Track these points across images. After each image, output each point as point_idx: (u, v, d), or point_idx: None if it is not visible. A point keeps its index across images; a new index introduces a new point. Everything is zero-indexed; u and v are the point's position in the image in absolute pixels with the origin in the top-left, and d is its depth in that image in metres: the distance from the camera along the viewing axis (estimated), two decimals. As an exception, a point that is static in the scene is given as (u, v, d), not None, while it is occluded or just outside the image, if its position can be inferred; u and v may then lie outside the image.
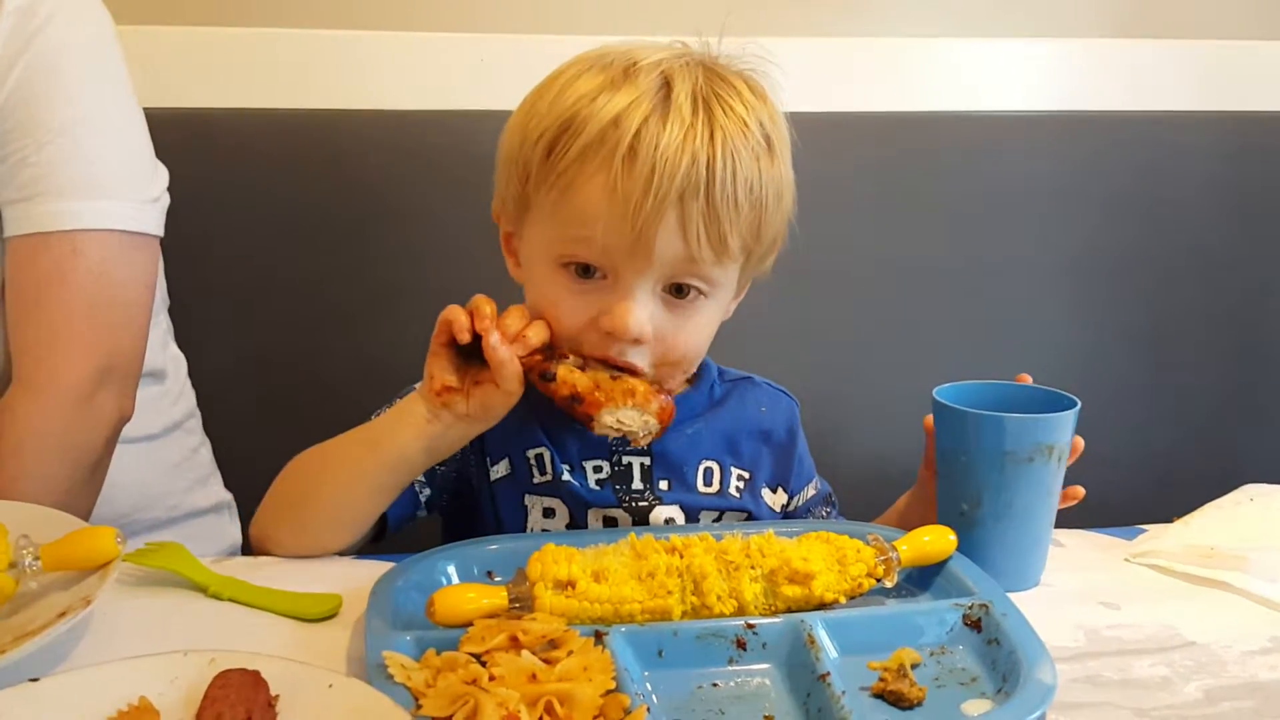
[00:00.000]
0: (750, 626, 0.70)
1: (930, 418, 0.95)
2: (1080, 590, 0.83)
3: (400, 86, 1.38)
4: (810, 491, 1.03)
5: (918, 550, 0.79)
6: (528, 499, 0.92)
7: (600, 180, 0.83)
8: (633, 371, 0.87)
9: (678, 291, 0.87)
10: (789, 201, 0.91)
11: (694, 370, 0.94)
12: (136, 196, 1.00)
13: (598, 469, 0.93)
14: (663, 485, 0.94)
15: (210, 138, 1.33)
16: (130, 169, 1.01)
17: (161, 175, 1.06)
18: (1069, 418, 0.81)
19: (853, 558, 0.76)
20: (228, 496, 1.23)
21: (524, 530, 0.92)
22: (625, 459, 0.93)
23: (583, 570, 0.71)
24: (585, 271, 0.86)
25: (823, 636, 0.69)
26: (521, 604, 0.71)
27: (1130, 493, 1.19)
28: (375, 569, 0.80)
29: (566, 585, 0.71)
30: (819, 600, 0.75)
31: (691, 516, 0.94)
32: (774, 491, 0.99)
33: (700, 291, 0.88)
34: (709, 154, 0.83)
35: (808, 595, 0.74)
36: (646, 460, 0.94)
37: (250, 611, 0.77)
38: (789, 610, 0.74)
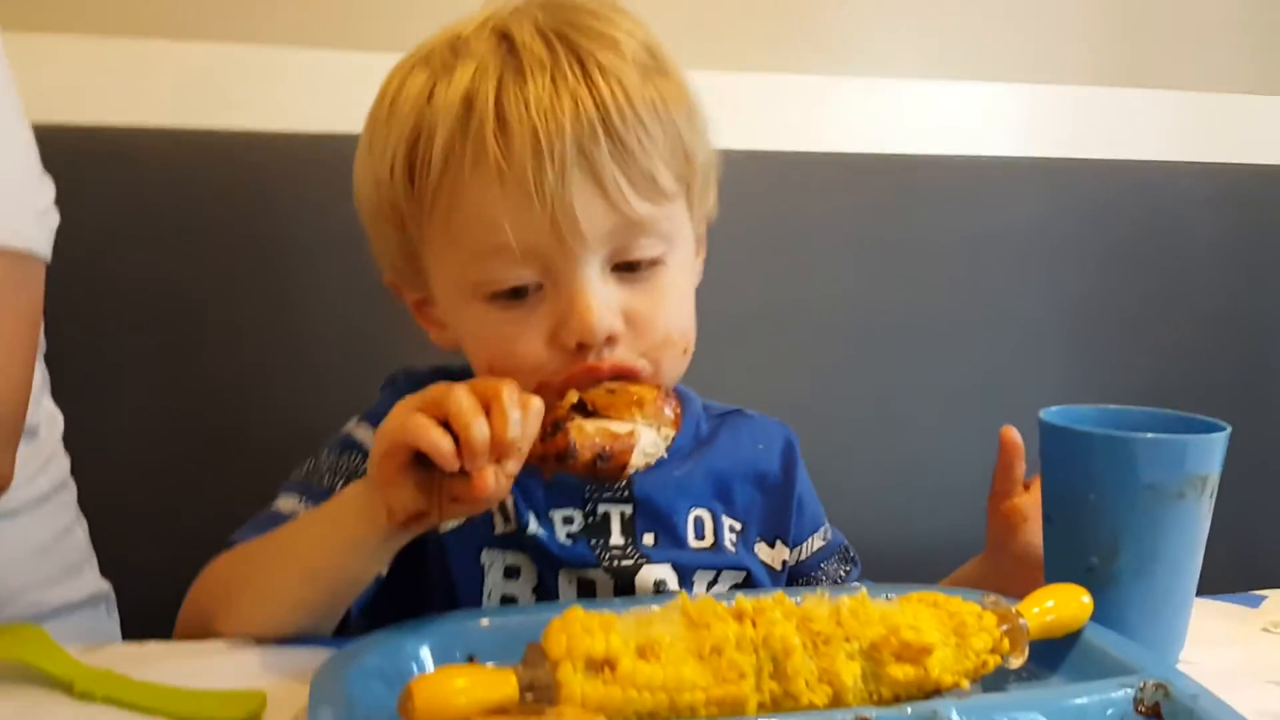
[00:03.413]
0: (863, 720, 0.50)
1: (1010, 453, 0.78)
2: (1236, 667, 0.66)
3: (318, 108, 1.20)
4: (818, 543, 0.85)
5: (1047, 617, 0.60)
6: (486, 554, 0.73)
7: (482, 173, 0.68)
8: (629, 373, 0.69)
9: (629, 268, 0.71)
10: (702, 118, 0.76)
11: (691, 346, 0.76)
12: (21, 207, 0.81)
13: (568, 520, 0.74)
14: (647, 540, 0.75)
15: (102, 159, 1.12)
16: (11, 175, 0.82)
17: (48, 187, 0.88)
18: (1219, 441, 0.64)
19: (974, 626, 0.57)
20: (105, 586, 1.00)
21: (480, 594, 0.72)
22: (601, 508, 0.75)
23: (624, 644, 0.51)
24: (515, 294, 0.70)
25: (966, 732, 0.50)
26: (539, 694, 0.49)
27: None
28: (308, 658, 0.59)
29: (603, 665, 0.50)
30: (935, 685, 0.55)
31: (685, 578, 0.75)
32: (771, 546, 0.81)
33: (655, 259, 0.72)
34: (590, 88, 0.68)
35: (922, 678, 0.55)
36: (628, 509, 0.75)
37: (134, 717, 0.55)
38: (896, 699, 0.55)
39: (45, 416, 0.97)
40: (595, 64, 0.69)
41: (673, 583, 0.75)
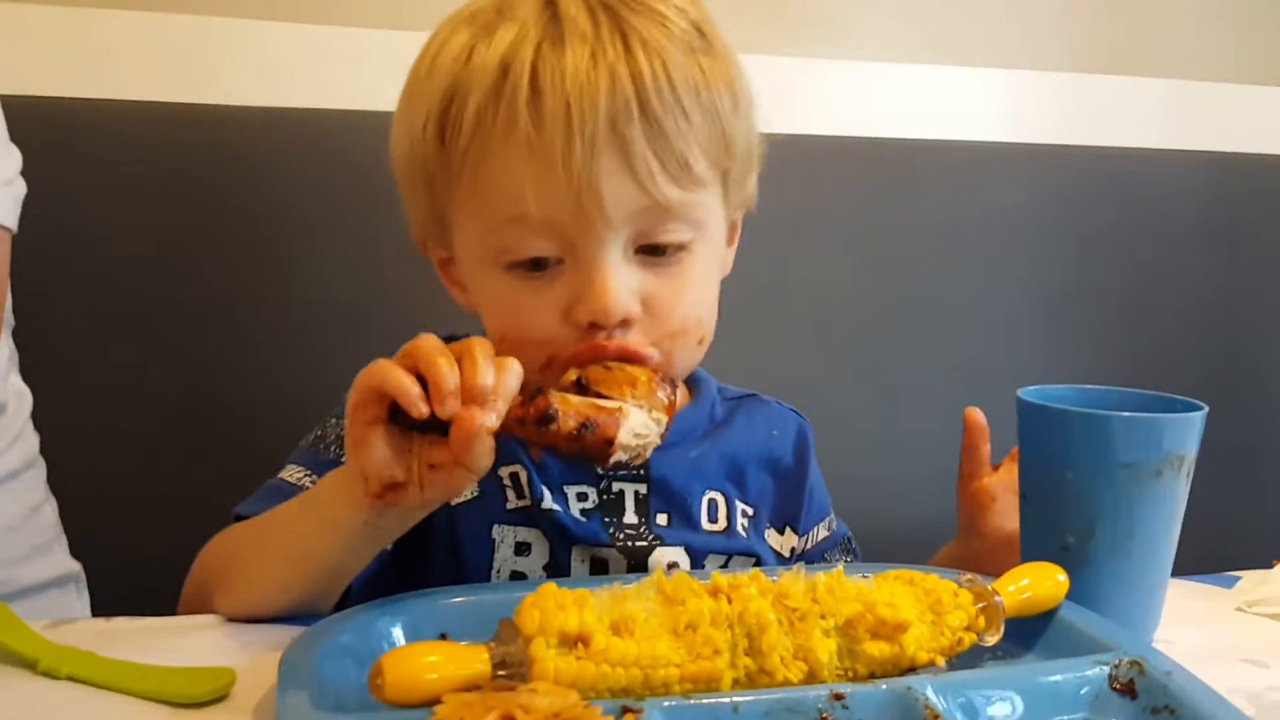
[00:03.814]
0: (838, 697, 0.50)
1: (975, 434, 0.78)
2: (1211, 646, 0.65)
3: (307, 83, 1.19)
4: (822, 533, 0.84)
5: (1022, 595, 0.60)
6: (497, 530, 0.72)
7: (510, 141, 0.66)
8: (635, 357, 0.68)
9: (654, 251, 0.69)
10: (748, 101, 0.74)
11: (709, 337, 0.75)
12: None
13: (582, 496, 0.73)
14: (661, 520, 0.75)
15: (77, 132, 1.10)
16: None
17: (13, 157, 0.87)
18: (1197, 420, 0.64)
19: (949, 604, 0.57)
20: (75, 567, 0.99)
21: (489, 570, 0.71)
22: (616, 485, 0.74)
23: (598, 620, 0.50)
24: (535, 265, 0.69)
25: (942, 707, 0.49)
26: (512, 670, 0.49)
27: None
28: (277, 635, 0.59)
29: (576, 641, 0.49)
30: (910, 662, 0.55)
31: (697, 561, 0.75)
32: (781, 533, 0.81)
33: (681, 245, 0.70)
34: (630, 65, 0.66)
35: (897, 655, 0.54)
36: (642, 488, 0.74)
37: (100, 695, 0.54)
38: (872, 676, 0.54)
39: (13, 393, 0.95)
40: (639, 39, 0.67)
41: (685, 565, 0.74)
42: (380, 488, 0.58)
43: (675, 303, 0.70)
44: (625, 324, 0.68)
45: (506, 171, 0.67)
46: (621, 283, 0.68)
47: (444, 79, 0.69)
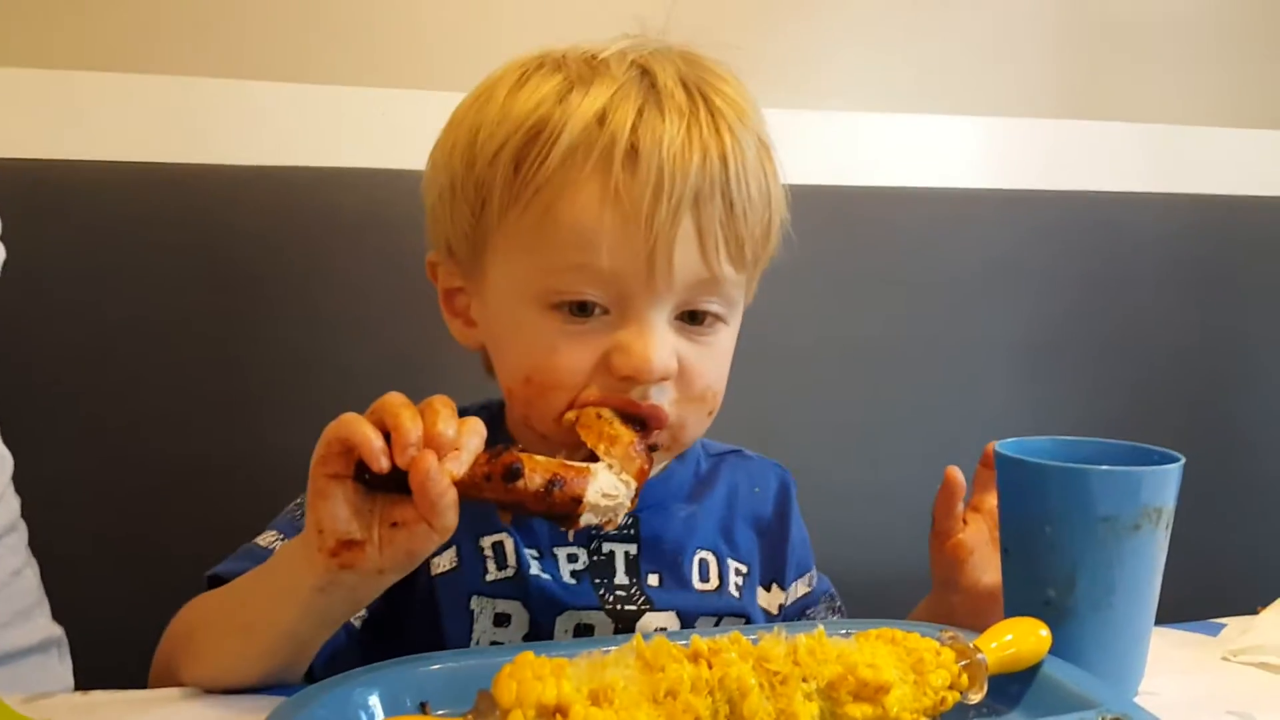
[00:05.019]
0: (820, 762, 0.49)
1: (955, 493, 0.78)
2: (1196, 698, 0.66)
3: (289, 141, 1.20)
4: (802, 589, 0.84)
5: (1005, 652, 0.60)
6: (475, 601, 0.71)
7: (595, 189, 0.68)
8: (655, 416, 0.69)
9: (692, 319, 0.72)
10: (784, 210, 0.77)
11: (716, 411, 0.76)
12: None
13: (572, 558, 0.73)
14: (652, 580, 0.75)
15: (56, 194, 1.10)
16: None
17: None
18: (1174, 473, 0.64)
19: (932, 663, 0.57)
20: (58, 631, 0.97)
21: (469, 642, 0.71)
22: (607, 546, 0.74)
23: (577, 690, 0.50)
24: (581, 309, 0.70)
25: (925, 772, 0.49)
26: (489, 743, 0.48)
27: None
28: (255, 706, 0.59)
29: (554, 713, 0.49)
30: (893, 723, 0.55)
31: (688, 624, 0.74)
32: (768, 590, 0.81)
33: (718, 316, 0.73)
34: (719, 147, 0.69)
35: (880, 717, 0.54)
36: (633, 549, 0.74)
37: (74, 772, 0.53)
38: (855, 738, 0.54)
39: (-9, 457, 0.95)
40: (725, 125, 0.71)
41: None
42: (336, 543, 0.57)
43: (703, 370, 0.72)
44: (660, 381, 0.70)
45: (584, 217, 0.68)
46: (666, 342, 0.70)
47: (532, 112, 0.70)
